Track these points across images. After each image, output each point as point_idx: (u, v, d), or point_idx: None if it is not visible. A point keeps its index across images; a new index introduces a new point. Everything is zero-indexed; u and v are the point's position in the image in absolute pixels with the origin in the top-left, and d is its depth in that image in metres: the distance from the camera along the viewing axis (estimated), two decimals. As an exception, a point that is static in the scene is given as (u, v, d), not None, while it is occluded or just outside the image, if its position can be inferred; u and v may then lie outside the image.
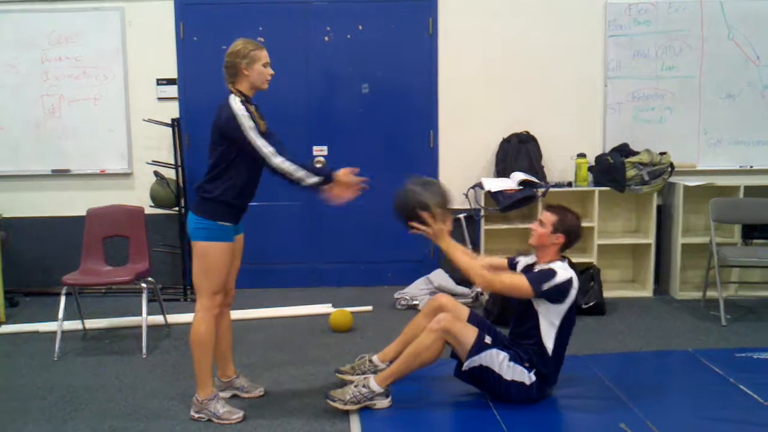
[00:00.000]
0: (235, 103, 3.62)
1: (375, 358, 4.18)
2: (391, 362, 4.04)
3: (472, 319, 3.99)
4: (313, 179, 3.65)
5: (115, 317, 5.61)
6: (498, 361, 3.74)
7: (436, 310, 3.99)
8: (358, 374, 4.11)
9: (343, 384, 4.02)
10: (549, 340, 3.77)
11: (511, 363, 3.75)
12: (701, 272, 5.90)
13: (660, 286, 6.25)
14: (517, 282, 3.73)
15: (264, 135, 3.66)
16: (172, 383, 4.31)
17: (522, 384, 3.75)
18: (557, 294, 3.71)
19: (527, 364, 3.77)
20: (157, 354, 4.86)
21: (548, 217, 3.85)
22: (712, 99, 6.21)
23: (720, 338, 5.03)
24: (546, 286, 3.68)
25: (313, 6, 6.24)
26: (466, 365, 3.77)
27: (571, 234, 3.85)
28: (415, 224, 3.77)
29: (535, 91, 6.27)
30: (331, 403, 3.80)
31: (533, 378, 3.77)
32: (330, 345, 4.97)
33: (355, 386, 3.82)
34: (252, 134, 3.58)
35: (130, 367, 4.62)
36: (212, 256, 3.69)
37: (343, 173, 3.77)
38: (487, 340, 3.78)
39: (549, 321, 3.75)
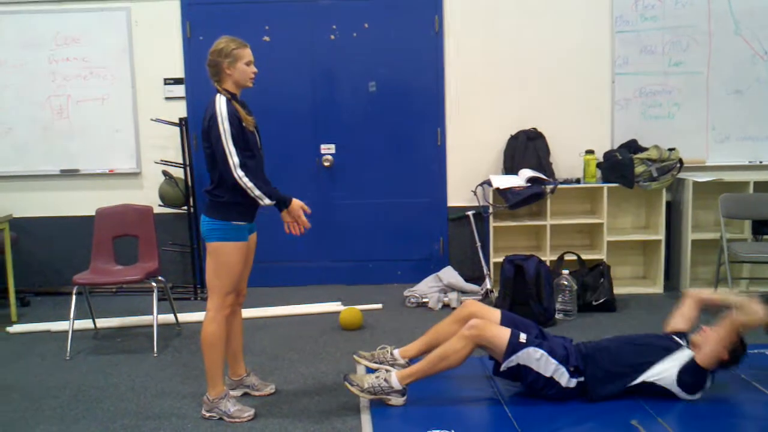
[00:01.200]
0: (220, 104, 3.61)
1: (396, 352, 4.14)
2: (410, 360, 4.04)
3: (505, 320, 3.96)
4: (267, 201, 3.66)
5: (125, 316, 5.62)
6: (535, 358, 3.71)
7: (465, 317, 3.94)
8: (375, 363, 4.10)
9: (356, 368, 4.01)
10: (636, 379, 3.75)
11: (554, 361, 3.72)
12: (712, 268, 5.89)
13: (670, 282, 6.23)
14: (717, 352, 3.66)
15: (250, 134, 3.68)
16: (183, 382, 4.32)
17: (558, 384, 3.73)
18: (691, 386, 3.71)
19: (572, 369, 3.74)
20: (167, 353, 4.87)
21: (724, 330, 3.73)
22: (720, 94, 6.19)
23: (731, 334, 5.01)
24: (693, 381, 3.69)
25: (319, 4, 6.24)
26: (503, 366, 3.75)
27: (735, 360, 3.76)
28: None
29: (543, 87, 6.26)
30: (349, 386, 3.79)
31: (573, 384, 3.74)
32: (340, 343, 4.97)
33: (376, 377, 3.81)
34: (226, 139, 3.56)
35: (141, 366, 4.63)
36: (226, 256, 3.70)
37: (296, 206, 3.76)
38: (522, 338, 3.74)
39: (659, 376, 3.73)
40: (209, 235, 3.70)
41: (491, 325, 3.83)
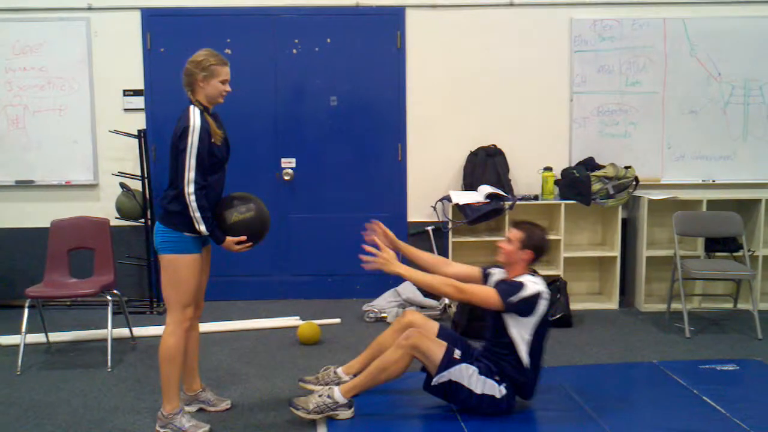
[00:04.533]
0: (195, 117, 3.59)
1: (339, 370, 4.18)
2: (355, 375, 4.04)
3: (442, 334, 4.00)
4: (202, 228, 3.61)
5: (79, 330, 5.54)
6: (467, 375, 3.75)
7: (405, 327, 4.00)
8: (321, 385, 4.11)
9: (307, 393, 4.00)
10: (524, 354, 3.78)
11: (482, 377, 3.77)
12: (666, 285, 5.98)
13: (625, 298, 6.32)
14: (486, 294, 3.74)
15: (217, 149, 3.67)
16: (138, 397, 4.27)
17: (492, 397, 3.77)
18: (526, 307, 3.72)
19: (497, 378, 3.79)
20: (122, 367, 4.80)
21: (515, 234, 3.88)
22: (675, 114, 6.32)
23: (684, 350, 5.10)
24: (515, 299, 3.70)
25: (282, 18, 6.24)
26: (435, 380, 3.78)
27: (539, 249, 3.89)
28: (365, 258, 3.88)
29: (503, 105, 6.33)
30: (295, 411, 3.80)
31: (504, 391, 3.78)
32: (298, 358, 4.95)
33: (320, 396, 3.82)
34: (190, 152, 3.54)
35: (94, 380, 4.56)
36: (180, 269, 3.66)
37: (228, 242, 3.71)
38: (456, 354, 3.78)
39: (520, 335, 3.76)
40: (162, 247, 3.67)
41: (427, 337, 3.86)
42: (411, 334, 3.80)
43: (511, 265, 3.90)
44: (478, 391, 3.75)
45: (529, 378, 3.82)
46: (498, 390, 3.77)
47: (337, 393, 3.81)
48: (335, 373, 4.17)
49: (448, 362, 3.75)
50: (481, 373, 3.77)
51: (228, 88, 3.74)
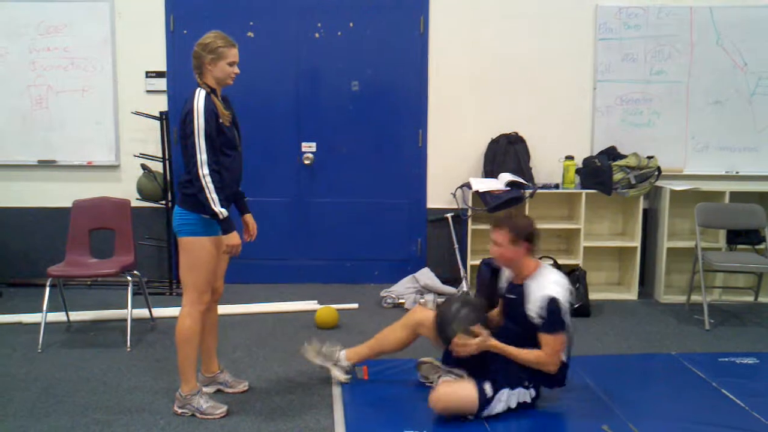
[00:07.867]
0: (199, 99, 3.56)
1: (342, 353, 4.23)
2: (354, 364, 4.24)
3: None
4: (219, 209, 3.54)
5: (99, 310, 5.58)
6: (504, 400, 3.69)
7: (415, 325, 4.08)
8: (321, 355, 4.24)
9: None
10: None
11: (513, 392, 3.72)
12: (686, 276, 5.94)
13: (645, 289, 6.28)
14: (556, 346, 3.64)
15: (227, 129, 3.66)
16: (156, 377, 4.30)
17: (525, 403, 3.76)
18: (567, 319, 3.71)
19: (527, 383, 3.75)
20: (141, 348, 4.84)
21: (499, 235, 3.75)
22: (699, 104, 6.25)
23: (703, 342, 5.07)
24: (560, 324, 3.64)
25: (305, 2, 6.22)
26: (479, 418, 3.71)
27: (531, 236, 3.75)
28: (455, 348, 3.76)
29: (525, 92, 6.29)
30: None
31: (534, 393, 3.77)
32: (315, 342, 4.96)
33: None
34: (198, 135, 3.51)
35: (114, 360, 4.60)
36: (198, 251, 3.67)
37: (232, 238, 3.64)
38: (488, 391, 3.67)
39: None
40: (181, 229, 3.68)
41: (455, 389, 3.72)
42: (441, 396, 3.67)
43: (516, 265, 3.81)
44: (513, 405, 3.72)
45: (561, 371, 3.77)
46: (529, 395, 3.76)
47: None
48: (338, 354, 4.24)
49: (484, 403, 3.66)
50: (512, 388, 3.72)
51: (236, 70, 3.71)
